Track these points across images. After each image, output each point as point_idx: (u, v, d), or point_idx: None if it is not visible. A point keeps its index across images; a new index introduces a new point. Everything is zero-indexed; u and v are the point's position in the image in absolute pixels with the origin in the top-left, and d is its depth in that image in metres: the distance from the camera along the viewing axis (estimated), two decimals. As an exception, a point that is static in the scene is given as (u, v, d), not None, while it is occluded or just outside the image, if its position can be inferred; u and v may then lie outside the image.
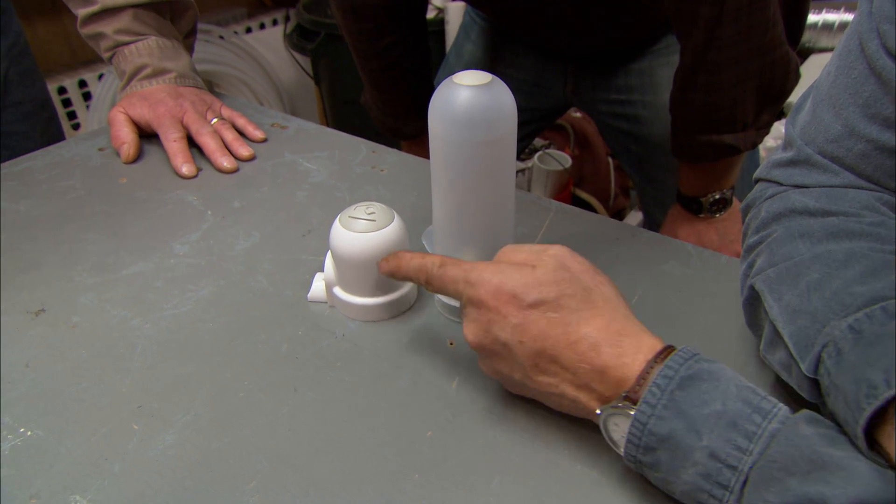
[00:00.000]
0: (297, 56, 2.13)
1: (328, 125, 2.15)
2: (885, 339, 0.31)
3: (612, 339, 0.37)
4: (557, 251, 0.42)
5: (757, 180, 0.47)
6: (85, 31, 0.78)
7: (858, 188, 0.41)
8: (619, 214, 1.89)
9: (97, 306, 0.54)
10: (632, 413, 0.35)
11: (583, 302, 0.38)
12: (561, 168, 1.71)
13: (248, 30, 2.13)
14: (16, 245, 0.62)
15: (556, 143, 1.84)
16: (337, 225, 0.51)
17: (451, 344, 0.51)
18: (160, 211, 0.67)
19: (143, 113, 0.75)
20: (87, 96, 1.84)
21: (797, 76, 0.72)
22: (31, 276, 0.58)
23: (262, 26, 2.16)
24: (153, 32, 0.78)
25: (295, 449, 0.42)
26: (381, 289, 0.52)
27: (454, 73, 1.11)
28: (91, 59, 1.84)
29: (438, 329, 0.52)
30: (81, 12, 0.76)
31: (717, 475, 0.32)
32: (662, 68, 0.88)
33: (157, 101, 0.75)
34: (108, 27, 0.76)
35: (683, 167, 0.83)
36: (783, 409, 0.33)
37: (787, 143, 0.45)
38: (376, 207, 0.52)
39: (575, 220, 0.65)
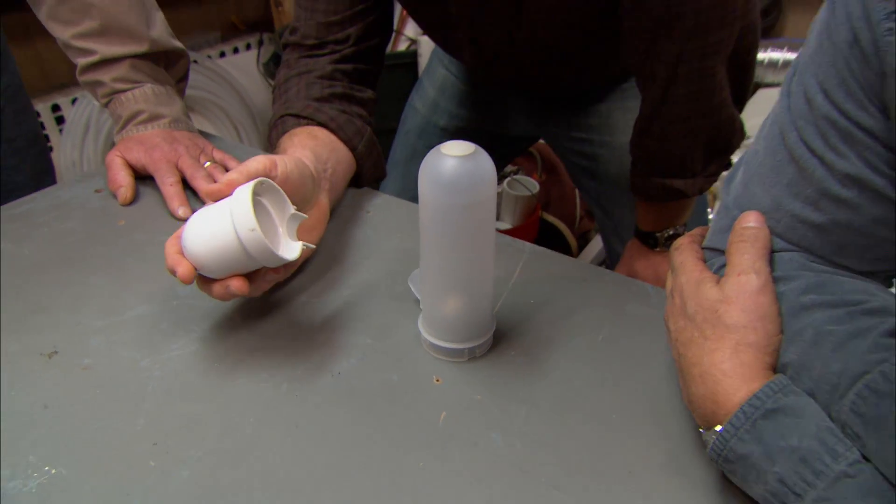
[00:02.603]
0: (273, 81, 2.17)
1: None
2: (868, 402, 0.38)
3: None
4: None
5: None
6: (83, 78, 0.82)
7: (790, 251, 0.48)
8: (584, 236, 1.97)
9: (107, 348, 0.58)
10: (718, 430, 0.42)
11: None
12: (529, 194, 1.78)
13: (222, 54, 2.17)
14: (23, 288, 0.65)
15: (525, 168, 1.91)
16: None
17: (438, 381, 0.56)
18: (159, 253, 0.70)
19: (139, 157, 0.79)
20: (59, 120, 1.85)
21: (742, 135, 0.80)
22: (41, 318, 0.62)
23: (236, 50, 2.20)
24: (148, 80, 0.83)
25: (299, 481, 0.47)
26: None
27: (427, 95, 1.17)
28: (64, 84, 1.86)
29: (426, 367, 0.58)
30: (81, 62, 0.80)
31: (784, 497, 0.39)
32: (618, 112, 0.96)
33: (152, 146, 0.80)
34: (106, 76, 0.80)
35: (640, 204, 0.90)
36: (855, 453, 0.38)
37: (725, 209, 0.51)
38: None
39: (546, 261, 0.71)
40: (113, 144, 0.83)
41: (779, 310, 0.45)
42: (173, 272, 0.55)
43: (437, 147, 0.50)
